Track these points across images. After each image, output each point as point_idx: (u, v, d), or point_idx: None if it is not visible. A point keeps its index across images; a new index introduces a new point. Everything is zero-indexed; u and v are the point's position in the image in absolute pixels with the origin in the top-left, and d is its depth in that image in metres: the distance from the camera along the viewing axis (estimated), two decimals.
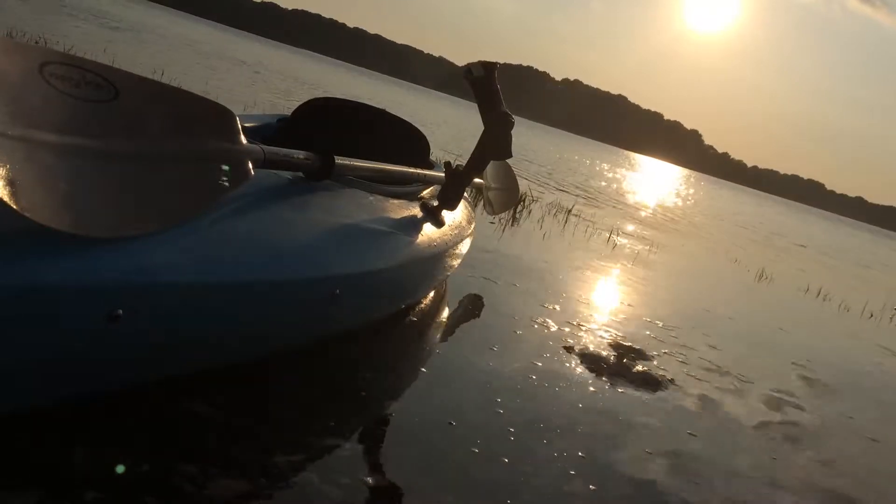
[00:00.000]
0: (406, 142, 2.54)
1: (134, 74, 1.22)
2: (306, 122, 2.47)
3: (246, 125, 2.23)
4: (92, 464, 1.12)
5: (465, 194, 2.45)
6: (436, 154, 2.64)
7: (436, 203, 2.19)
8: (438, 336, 2.28)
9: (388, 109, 2.62)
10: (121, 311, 1.03)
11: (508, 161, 2.99)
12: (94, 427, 1.20)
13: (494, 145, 2.17)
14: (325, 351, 1.75)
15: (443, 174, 2.25)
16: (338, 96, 2.66)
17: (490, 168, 3.50)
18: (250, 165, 1.34)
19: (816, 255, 12.63)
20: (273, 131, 2.42)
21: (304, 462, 1.30)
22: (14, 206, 0.91)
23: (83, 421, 1.19)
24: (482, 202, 3.67)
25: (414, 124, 2.59)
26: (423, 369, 1.98)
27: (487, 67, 2.09)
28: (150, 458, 1.17)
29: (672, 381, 2.41)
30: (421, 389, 1.83)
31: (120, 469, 1.11)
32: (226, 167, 1.29)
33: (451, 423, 1.62)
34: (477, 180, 2.96)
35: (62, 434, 1.16)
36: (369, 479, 1.31)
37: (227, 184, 1.28)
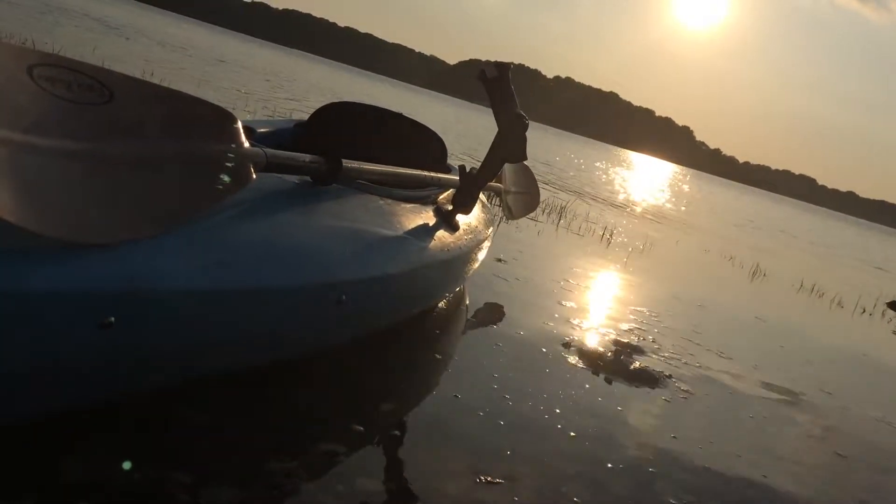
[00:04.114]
0: (423, 145, 2.51)
1: (129, 76, 1.18)
2: (323, 126, 2.46)
3: (261, 130, 2.26)
4: (84, 472, 1.09)
5: (484, 198, 2.38)
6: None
7: (450, 207, 2.13)
8: (450, 343, 2.19)
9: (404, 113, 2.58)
10: (113, 319, 0.98)
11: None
12: (86, 435, 1.17)
13: (508, 147, 2.11)
14: (325, 356, 1.68)
15: (458, 178, 2.19)
16: (353, 100, 2.63)
17: (509, 171, 3.42)
18: (251, 168, 1.28)
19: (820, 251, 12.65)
20: (289, 137, 2.40)
21: (299, 469, 1.25)
22: (3, 213, 0.86)
23: (75, 429, 1.15)
24: (501, 205, 3.58)
25: (431, 128, 2.56)
26: (429, 377, 1.90)
27: (501, 68, 2.03)
28: (143, 466, 1.13)
29: (672, 379, 2.35)
30: (424, 396, 1.77)
31: (113, 476, 1.09)
32: (225, 170, 1.23)
33: (453, 433, 1.56)
34: (496, 184, 2.89)
35: (54, 442, 1.12)
36: (365, 488, 1.27)
37: (225, 187, 1.22)
